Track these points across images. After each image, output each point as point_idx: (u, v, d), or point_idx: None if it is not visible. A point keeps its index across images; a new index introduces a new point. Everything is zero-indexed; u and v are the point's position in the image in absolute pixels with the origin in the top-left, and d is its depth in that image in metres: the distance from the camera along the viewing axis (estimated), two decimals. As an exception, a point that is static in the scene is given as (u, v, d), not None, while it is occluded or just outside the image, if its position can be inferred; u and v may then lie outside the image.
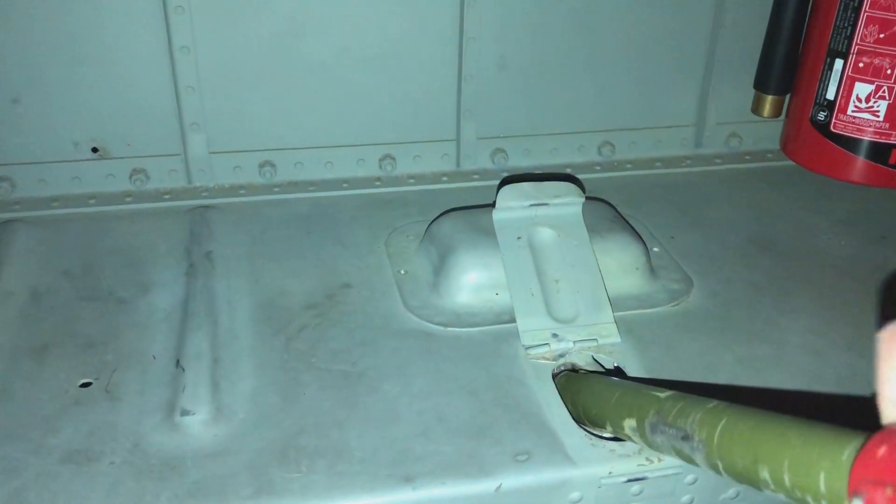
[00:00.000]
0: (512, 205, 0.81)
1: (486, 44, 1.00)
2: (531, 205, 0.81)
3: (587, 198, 0.90)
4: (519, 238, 0.80)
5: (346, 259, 0.87)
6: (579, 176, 1.07)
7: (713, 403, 0.49)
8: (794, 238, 0.94)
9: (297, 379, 0.70)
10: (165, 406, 0.67)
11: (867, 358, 0.74)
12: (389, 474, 0.61)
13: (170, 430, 0.64)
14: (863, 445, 0.34)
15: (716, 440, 0.46)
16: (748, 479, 0.43)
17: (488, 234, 0.81)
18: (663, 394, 0.56)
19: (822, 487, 0.36)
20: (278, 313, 0.78)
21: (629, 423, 0.58)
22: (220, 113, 0.98)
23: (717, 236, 0.94)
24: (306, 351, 0.73)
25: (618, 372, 0.71)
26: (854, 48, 0.92)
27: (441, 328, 0.77)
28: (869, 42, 0.91)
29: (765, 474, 0.41)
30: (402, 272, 0.85)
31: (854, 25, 0.91)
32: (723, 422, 0.46)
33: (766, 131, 1.12)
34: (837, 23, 0.93)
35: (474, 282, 0.80)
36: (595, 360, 0.73)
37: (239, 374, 0.70)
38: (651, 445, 0.56)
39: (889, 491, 0.30)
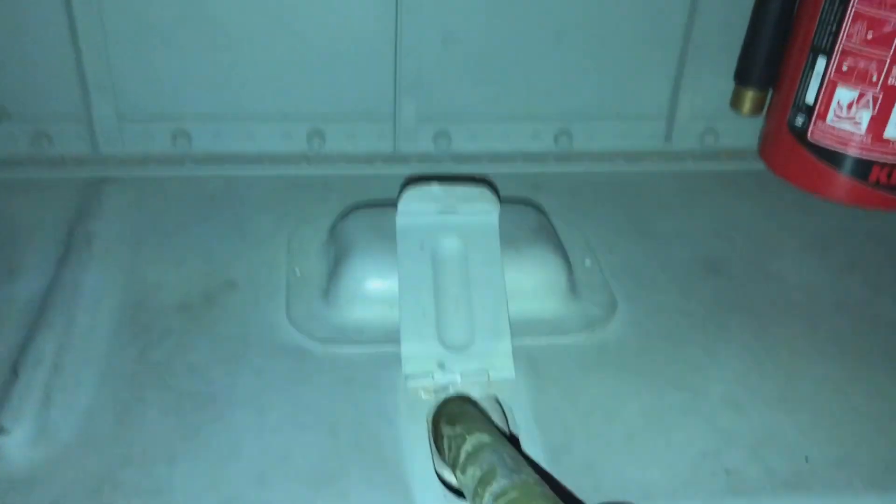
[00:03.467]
0: (417, 209, 0.72)
1: (429, 15, 0.89)
2: (439, 210, 0.72)
3: (515, 201, 0.81)
4: (422, 247, 0.71)
5: (240, 252, 0.79)
6: (530, 166, 0.97)
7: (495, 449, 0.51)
8: (751, 260, 0.83)
9: (141, 397, 0.63)
10: (-16, 420, 0.60)
11: (794, 419, 0.64)
12: (208, 525, 0.54)
13: (-22, 451, 0.58)
14: None
15: None
16: None
17: (394, 239, 0.72)
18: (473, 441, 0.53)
19: None
20: (146, 314, 0.71)
21: (460, 478, 0.53)
22: (131, 75, 0.89)
23: (663, 252, 0.84)
24: (161, 363, 0.66)
25: (513, 441, 0.62)
26: (839, 47, 0.80)
27: (320, 346, 0.69)
28: (855, 42, 0.78)
29: None
30: (297, 273, 0.77)
31: (840, 21, 0.79)
32: None
33: (745, 129, 1.00)
34: (823, 16, 0.81)
35: (367, 293, 0.71)
36: (498, 403, 0.64)
37: (78, 386, 0.63)
38: None
39: None
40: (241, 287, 0.75)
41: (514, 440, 0.62)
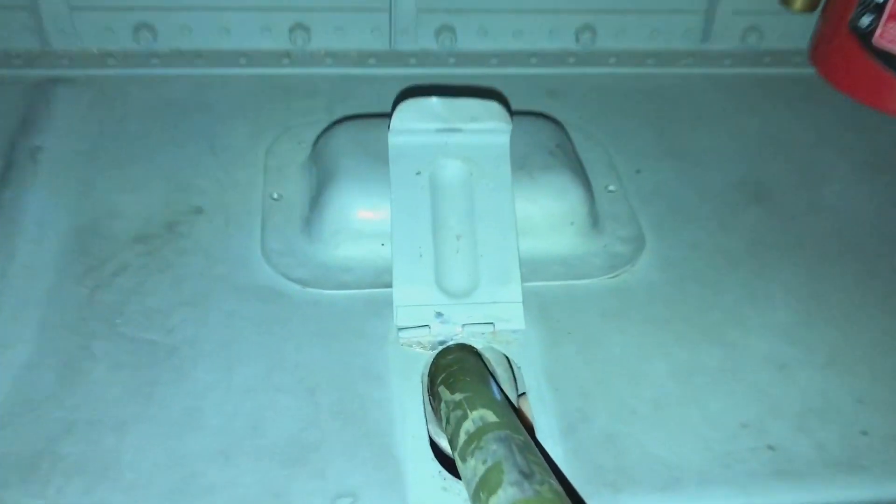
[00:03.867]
0: (413, 126, 0.60)
1: None
2: (439, 129, 0.60)
3: (529, 114, 0.69)
4: (419, 174, 0.60)
5: (210, 170, 0.68)
6: (547, 68, 0.84)
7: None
8: (800, 185, 0.72)
9: (88, 348, 0.54)
10: None
11: (849, 384, 0.55)
12: (159, 510, 0.46)
13: None
14: None
15: None
16: None
17: (384, 161, 0.61)
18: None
19: None
20: (98, 245, 0.61)
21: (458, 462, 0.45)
22: (81, -45, 0.76)
23: (699, 175, 0.73)
24: (114, 306, 0.57)
25: (529, 431, 0.53)
26: (927, -69, 0.66)
27: (299, 287, 0.59)
28: (950, -76, 0.64)
29: None
30: (275, 196, 0.66)
31: None
32: None
33: (795, 28, 0.86)
34: None
35: (354, 226, 0.61)
36: (506, 357, 0.55)
37: (15, 334, 0.54)
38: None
39: None
40: (209, 213, 0.65)
41: (521, 415, 0.53)
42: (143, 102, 0.75)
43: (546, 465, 0.42)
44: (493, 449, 0.43)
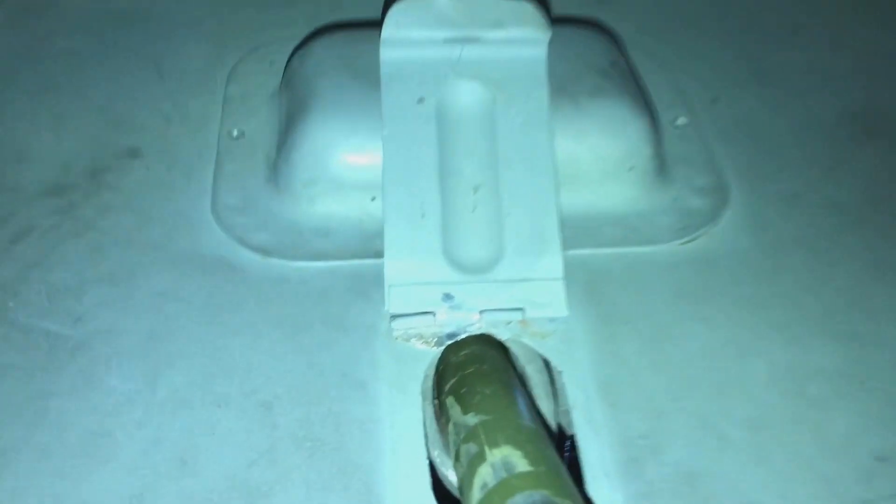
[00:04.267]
0: (413, 35, 0.44)
1: None
2: (449, 38, 0.44)
3: (574, 21, 0.52)
4: (421, 101, 0.44)
5: (154, 100, 0.53)
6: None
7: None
8: (927, 115, 0.55)
9: (-30, 341, 0.39)
10: None
11: None
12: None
13: None
14: None
15: None
16: None
17: (374, 85, 0.45)
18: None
19: None
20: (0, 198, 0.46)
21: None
22: None
23: (794, 104, 0.55)
24: (7, 282, 0.42)
25: (566, 444, 0.38)
26: None
27: (259, 258, 0.44)
28: None
29: None
30: (235, 134, 0.50)
31: None
32: None
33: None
34: None
35: (334, 173, 0.45)
36: (543, 362, 0.40)
37: None
38: None
39: None
40: (146, 157, 0.49)
41: (563, 439, 0.38)
42: (75, 12, 0.59)
43: None
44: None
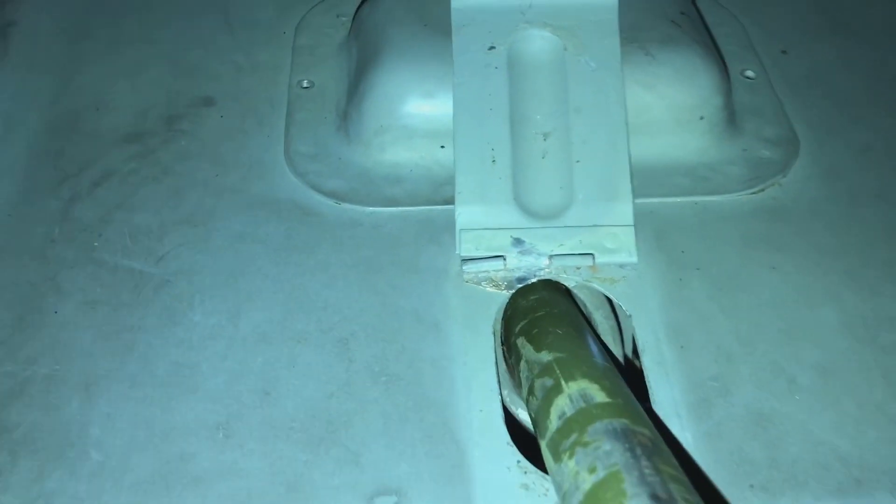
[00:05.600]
0: (484, -17, 0.44)
1: None
2: (520, -15, 0.44)
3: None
4: (492, 49, 0.44)
5: (225, 51, 0.54)
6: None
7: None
8: None
9: (55, 280, 0.41)
10: None
11: None
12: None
13: None
14: None
15: None
16: None
17: (445, 33, 0.45)
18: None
19: None
20: (78, 143, 0.48)
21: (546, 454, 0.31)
22: None
23: (867, 55, 0.55)
24: (92, 224, 0.44)
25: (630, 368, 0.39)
26: None
27: (332, 203, 0.45)
28: None
29: None
30: (305, 84, 0.51)
31: None
32: None
33: None
34: None
35: (405, 121, 0.46)
36: (608, 302, 0.41)
37: (-35, 260, 0.42)
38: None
39: None
40: (220, 106, 0.51)
41: (633, 370, 0.38)
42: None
43: (687, 479, 0.28)
44: (607, 450, 0.28)
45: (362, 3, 0.53)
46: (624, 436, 0.29)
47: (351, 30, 0.53)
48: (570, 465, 0.29)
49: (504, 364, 0.40)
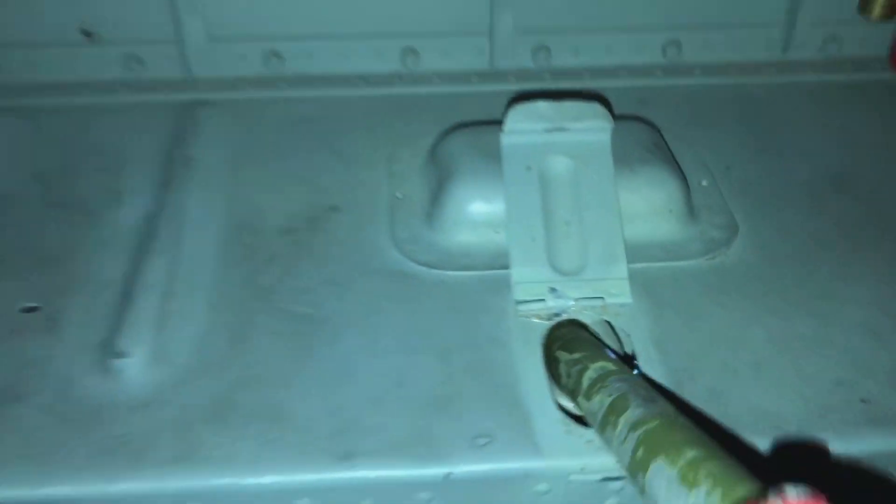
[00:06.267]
0: (523, 127, 0.68)
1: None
2: (547, 129, 0.68)
3: (624, 118, 0.76)
4: (529, 168, 0.68)
5: (340, 175, 0.77)
6: (637, 80, 0.91)
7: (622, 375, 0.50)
8: (882, 176, 0.77)
9: (252, 321, 0.63)
10: (104, 343, 0.61)
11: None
12: (326, 448, 0.53)
13: (102, 373, 0.59)
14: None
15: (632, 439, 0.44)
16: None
17: (498, 159, 0.69)
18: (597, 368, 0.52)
19: None
20: (251, 237, 0.70)
21: (583, 404, 0.51)
22: (221, -6, 0.87)
23: (787, 169, 0.78)
24: (270, 286, 0.65)
25: (628, 360, 0.60)
26: None
27: (426, 269, 0.67)
28: None
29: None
30: (399, 196, 0.75)
31: None
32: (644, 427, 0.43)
33: (873, 36, 0.91)
34: None
35: (472, 217, 0.69)
36: (611, 327, 0.62)
37: (190, 310, 0.63)
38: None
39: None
40: (344, 210, 0.73)
41: (631, 364, 0.59)
42: (275, 120, 0.85)
43: (661, 396, 0.48)
44: (618, 386, 0.49)
45: (436, 141, 0.77)
46: (626, 381, 0.50)
47: (428, 159, 0.77)
48: (597, 398, 0.49)
49: (548, 371, 0.61)
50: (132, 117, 0.85)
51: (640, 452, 0.41)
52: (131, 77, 0.90)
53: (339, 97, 0.89)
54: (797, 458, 0.53)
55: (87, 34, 0.88)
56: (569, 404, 0.57)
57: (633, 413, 0.45)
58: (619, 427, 0.45)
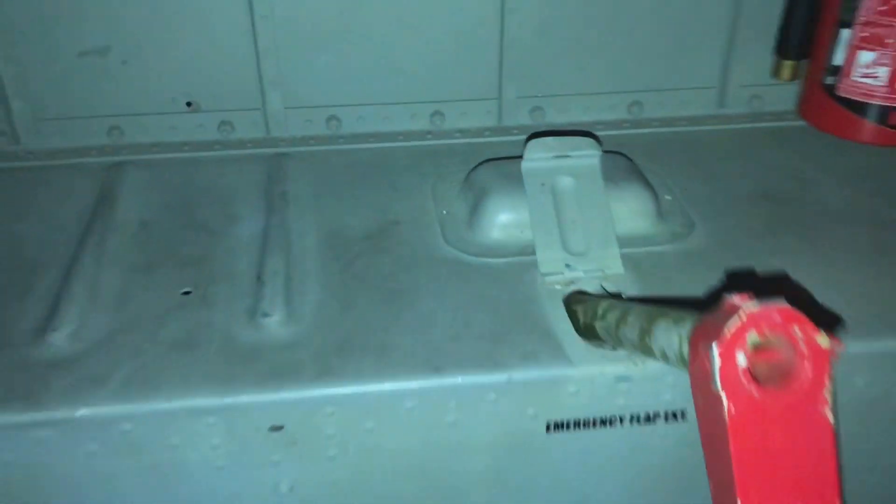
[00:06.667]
0: (537, 156, 0.95)
1: (526, 14, 1.13)
2: (554, 156, 0.95)
3: (608, 151, 1.03)
4: (543, 185, 0.94)
5: (397, 200, 1.03)
6: (609, 132, 1.19)
7: (624, 303, 0.74)
8: (797, 191, 1.05)
9: (354, 294, 0.86)
10: (249, 311, 0.84)
11: (835, 288, 0.86)
12: (423, 365, 0.77)
13: (253, 328, 0.82)
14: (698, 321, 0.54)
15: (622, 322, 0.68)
16: (642, 349, 0.64)
17: (518, 181, 0.95)
18: (607, 302, 0.76)
19: (677, 348, 0.56)
20: (339, 242, 0.95)
21: (600, 325, 0.74)
22: (294, 73, 1.14)
23: (727, 188, 1.06)
24: (361, 272, 0.90)
25: (616, 295, 0.85)
26: (859, 19, 1.02)
27: (474, 258, 0.92)
28: (873, 14, 1.00)
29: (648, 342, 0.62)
30: (444, 212, 1.00)
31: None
32: (629, 312, 0.68)
33: (784, 93, 1.21)
34: (845, -4, 1.03)
35: (503, 221, 0.94)
36: (602, 287, 0.87)
37: (307, 288, 0.87)
38: (615, 342, 0.73)
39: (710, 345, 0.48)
40: (404, 223, 0.98)
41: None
42: (340, 165, 1.11)
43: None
44: (622, 306, 0.74)
45: (468, 174, 1.03)
46: (624, 302, 0.74)
47: (463, 187, 1.02)
48: (608, 317, 0.74)
49: (569, 317, 0.85)
50: (229, 167, 1.10)
51: (644, 325, 0.65)
52: (223, 137, 1.15)
53: (385, 148, 1.15)
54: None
55: (189, 104, 1.14)
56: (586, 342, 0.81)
57: (635, 309, 0.69)
58: (629, 320, 0.69)
